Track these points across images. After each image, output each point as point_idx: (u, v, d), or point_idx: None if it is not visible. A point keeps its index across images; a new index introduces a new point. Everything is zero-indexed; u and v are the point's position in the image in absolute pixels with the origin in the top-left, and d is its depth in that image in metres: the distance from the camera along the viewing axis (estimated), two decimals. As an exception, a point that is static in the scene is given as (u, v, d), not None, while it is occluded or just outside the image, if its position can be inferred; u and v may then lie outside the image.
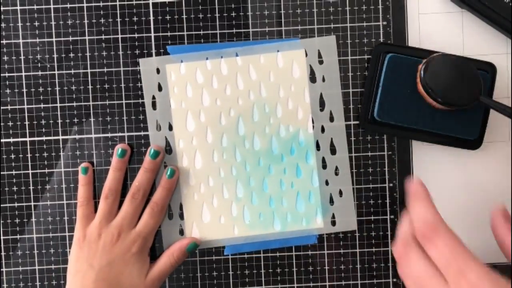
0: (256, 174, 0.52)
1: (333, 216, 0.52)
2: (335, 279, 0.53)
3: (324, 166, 0.52)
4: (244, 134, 0.52)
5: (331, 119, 0.52)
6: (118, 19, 0.51)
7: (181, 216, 0.52)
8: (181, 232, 0.52)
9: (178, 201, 0.52)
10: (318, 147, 0.52)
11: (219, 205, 0.52)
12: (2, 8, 0.51)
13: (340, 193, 0.52)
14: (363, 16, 0.52)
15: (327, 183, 0.52)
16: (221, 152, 0.52)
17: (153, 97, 0.52)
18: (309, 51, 0.51)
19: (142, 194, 0.50)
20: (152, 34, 0.52)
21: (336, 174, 0.52)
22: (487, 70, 0.49)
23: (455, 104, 0.46)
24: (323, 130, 0.52)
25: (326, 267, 0.53)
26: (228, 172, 0.52)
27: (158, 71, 0.51)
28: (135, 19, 0.51)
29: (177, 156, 0.52)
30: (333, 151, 0.52)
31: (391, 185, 0.52)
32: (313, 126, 0.52)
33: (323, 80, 0.51)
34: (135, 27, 0.51)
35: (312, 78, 0.51)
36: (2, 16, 0.51)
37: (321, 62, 0.51)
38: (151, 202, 0.51)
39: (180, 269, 0.53)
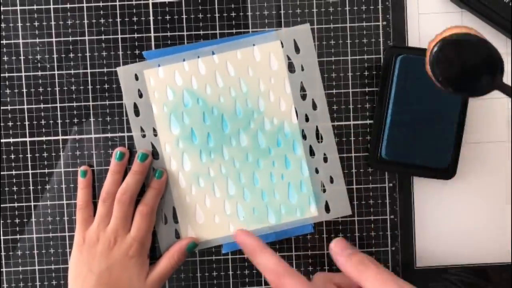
0: (245, 170, 0.52)
1: (327, 203, 0.52)
2: (335, 279, 0.53)
3: (312, 154, 0.52)
4: (230, 131, 0.51)
5: (314, 106, 0.52)
6: (118, 19, 0.51)
7: (176, 220, 0.52)
8: (177, 235, 0.52)
9: (171, 204, 0.52)
10: (304, 136, 0.52)
11: (212, 205, 0.52)
12: (2, 8, 0.51)
13: (331, 179, 0.52)
14: (363, 16, 0.52)
15: (317, 171, 0.52)
16: (208, 152, 0.51)
17: (135, 105, 0.51)
18: (284, 41, 0.51)
19: (129, 196, 0.50)
20: (152, 34, 0.52)
21: (325, 161, 0.52)
22: None
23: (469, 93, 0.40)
24: (307, 119, 0.52)
25: (326, 267, 0.53)
26: (217, 171, 0.52)
27: (136, 77, 0.51)
28: (135, 19, 0.51)
29: (165, 160, 0.51)
30: (319, 140, 0.52)
31: (391, 185, 0.52)
32: (297, 116, 0.52)
33: (302, 69, 0.51)
34: (135, 27, 0.51)
35: (291, 68, 0.51)
36: (2, 16, 0.51)
37: (297, 51, 0.51)
38: (139, 205, 0.50)
39: (180, 269, 0.53)
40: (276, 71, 0.51)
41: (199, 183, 0.52)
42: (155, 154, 0.52)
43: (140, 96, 0.51)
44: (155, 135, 0.52)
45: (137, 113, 0.52)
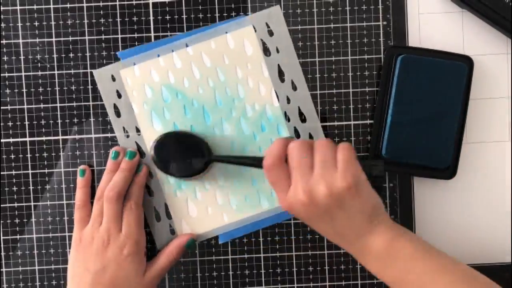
0: None
1: None
2: (335, 279, 0.53)
3: (298, 136, 0.52)
4: (212, 122, 0.51)
5: (294, 87, 0.51)
6: (118, 19, 0.51)
7: (169, 216, 0.52)
8: (172, 231, 0.52)
9: (162, 201, 0.52)
10: (288, 118, 0.52)
11: (203, 197, 0.52)
12: (2, 8, 0.51)
13: None
14: (363, 16, 0.52)
15: None
16: None
17: (115, 106, 0.51)
18: (257, 26, 0.51)
19: (116, 193, 0.49)
20: (152, 34, 0.52)
21: None
22: (465, 63, 0.50)
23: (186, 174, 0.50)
24: (288, 100, 0.52)
25: (326, 267, 0.53)
26: None
27: (113, 78, 0.51)
28: (135, 19, 0.51)
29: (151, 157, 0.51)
30: (303, 120, 0.52)
31: (391, 185, 0.52)
32: (278, 99, 0.51)
33: (277, 51, 0.51)
34: (135, 27, 0.51)
35: (266, 52, 0.51)
36: (2, 16, 0.51)
37: (271, 34, 0.51)
38: (124, 201, 0.50)
39: (180, 269, 0.52)
40: (252, 56, 0.51)
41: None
42: (141, 152, 0.51)
43: (119, 96, 0.51)
44: (139, 134, 0.52)
45: (118, 114, 0.51)
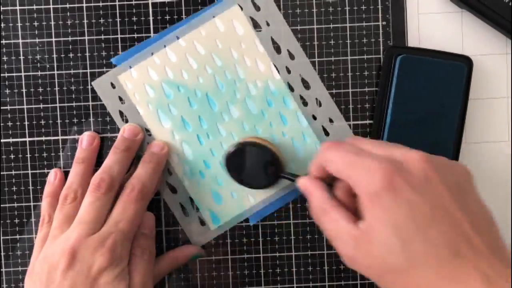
0: None
1: None
2: (335, 279, 0.53)
3: (305, 104, 0.52)
4: (218, 108, 0.51)
5: (291, 56, 0.51)
6: (118, 19, 0.51)
7: (196, 208, 0.52)
8: (202, 223, 0.52)
9: (187, 195, 0.52)
10: (291, 88, 0.52)
11: (225, 183, 0.52)
12: (2, 8, 0.51)
13: (331, 120, 0.52)
14: (363, 16, 0.52)
15: (314, 117, 0.52)
16: (205, 134, 0.51)
17: (120, 112, 0.51)
18: (243, 4, 0.51)
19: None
20: (152, 34, 0.52)
21: (319, 105, 0.51)
22: (464, 63, 0.50)
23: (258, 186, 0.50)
24: (288, 71, 0.51)
25: (326, 267, 0.53)
26: (219, 149, 0.51)
27: (113, 85, 0.51)
28: (134, 19, 0.51)
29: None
30: (306, 87, 0.51)
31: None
32: (278, 71, 0.51)
33: (267, 24, 0.51)
34: (135, 27, 0.52)
35: (257, 27, 0.51)
36: (2, 16, 0.51)
37: (258, 9, 0.51)
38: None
39: (180, 269, 0.53)
40: (244, 35, 0.51)
41: (206, 166, 0.52)
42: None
43: (122, 102, 0.51)
44: (149, 135, 0.52)
45: (124, 119, 0.51)
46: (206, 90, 0.51)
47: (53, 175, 0.50)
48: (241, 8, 0.51)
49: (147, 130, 0.52)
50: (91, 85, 0.52)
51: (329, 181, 0.42)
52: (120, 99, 0.51)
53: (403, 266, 0.33)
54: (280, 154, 0.50)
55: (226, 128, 0.51)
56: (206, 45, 0.51)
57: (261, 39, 0.51)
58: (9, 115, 0.52)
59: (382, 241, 0.34)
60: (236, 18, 0.51)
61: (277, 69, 0.51)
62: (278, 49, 0.51)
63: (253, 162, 0.49)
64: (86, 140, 0.50)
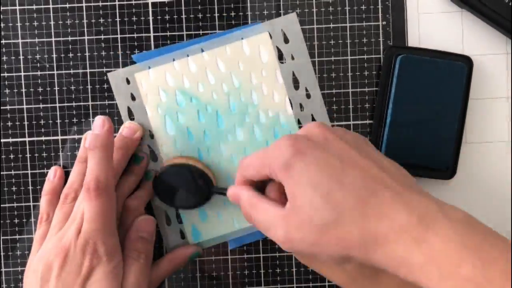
0: None
1: None
2: (335, 279, 0.53)
3: None
4: (225, 127, 0.51)
5: (308, 95, 0.51)
6: (117, 19, 0.51)
7: (179, 220, 0.52)
8: (183, 236, 0.52)
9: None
10: (300, 126, 0.52)
11: (214, 202, 0.52)
12: (1, 8, 0.51)
13: None
14: (363, 16, 0.52)
15: None
16: (206, 150, 0.51)
17: (128, 109, 0.51)
18: (273, 32, 0.51)
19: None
20: (152, 34, 0.52)
21: None
22: (465, 63, 0.50)
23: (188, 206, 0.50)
24: (301, 108, 0.52)
25: (326, 267, 0.53)
26: (216, 168, 0.51)
27: (128, 81, 0.51)
28: (134, 19, 0.51)
29: (163, 161, 0.51)
30: None
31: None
32: (292, 106, 0.51)
33: (292, 58, 0.51)
34: (134, 27, 0.51)
35: (281, 59, 0.51)
36: (2, 16, 0.51)
37: (286, 41, 0.51)
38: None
39: (180, 269, 0.52)
40: (267, 63, 0.51)
41: None
42: (153, 156, 0.51)
43: (133, 99, 0.51)
44: (152, 137, 0.52)
45: (131, 116, 0.51)
46: (217, 107, 0.51)
47: (52, 173, 0.50)
48: (271, 37, 0.51)
49: (150, 133, 0.51)
50: (90, 85, 0.52)
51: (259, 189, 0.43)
52: (132, 96, 0.51)
53: (330, 218, 0.36)
54: (208, 170, 0.50)
55: (228, 148, 0.51)
56: (228, 64, 0.51)
57: (283, 71, 0.51)
58: (9, 115, 0.52)
59: (306, 204, 0.36)
60: (263, 45, 0.51)
61: (291, 103, 0.51)
62: (296, 85, 0.51)
63: (180, 183, 0.49)
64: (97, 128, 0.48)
